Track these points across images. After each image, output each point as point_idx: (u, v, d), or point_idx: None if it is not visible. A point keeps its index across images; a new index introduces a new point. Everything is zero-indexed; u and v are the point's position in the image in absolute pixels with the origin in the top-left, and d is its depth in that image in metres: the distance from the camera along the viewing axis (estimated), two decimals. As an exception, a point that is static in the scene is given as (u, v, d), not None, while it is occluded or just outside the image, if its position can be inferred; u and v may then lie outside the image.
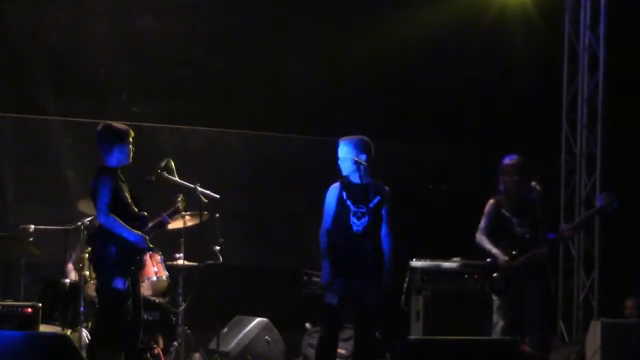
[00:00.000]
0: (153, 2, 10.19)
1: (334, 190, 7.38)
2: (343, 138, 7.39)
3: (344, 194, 7.32)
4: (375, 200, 7.32)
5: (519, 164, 7.95)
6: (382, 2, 10.76)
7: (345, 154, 7.32)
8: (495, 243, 7.94)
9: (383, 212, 7.36)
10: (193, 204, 7.96)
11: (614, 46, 10.47)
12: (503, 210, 7.97)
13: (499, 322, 7.90)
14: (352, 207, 7.30)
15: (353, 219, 7.28)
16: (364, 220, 7.28)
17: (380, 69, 10.72)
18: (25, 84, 9.76)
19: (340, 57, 10.56)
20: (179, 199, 7.50)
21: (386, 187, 7.42)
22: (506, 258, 7.82)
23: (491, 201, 8.07)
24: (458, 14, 10.78)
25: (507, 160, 7.99)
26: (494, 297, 7.94)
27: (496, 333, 7.87)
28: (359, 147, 7.33)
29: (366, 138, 7.42)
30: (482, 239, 8.01)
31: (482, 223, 8.06)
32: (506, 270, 7.82)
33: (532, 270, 7.81)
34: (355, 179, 7.36)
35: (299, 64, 10.48)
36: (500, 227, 7.98)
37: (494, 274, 7.87)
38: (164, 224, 7.29)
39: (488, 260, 7.96)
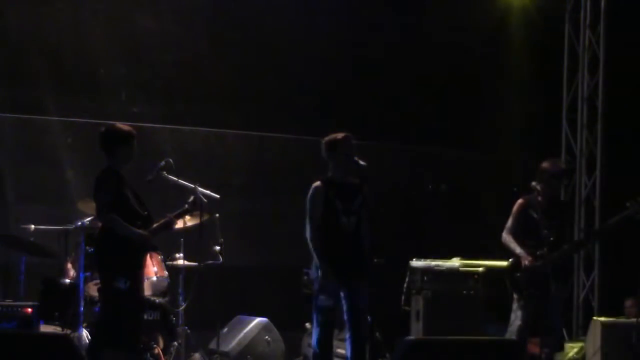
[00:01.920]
0: (153, 2, 10.19)
1: (318, 190, 7.26)
2: (345, 135, 7.31)
3: (330, 193, 7.26)
4: (360, 199, 7.27)
5: (557, 169, 7.99)
6: (381, 6, 10.76)
7: (351, 151, 7.25)
8: (521, 243, 7.96)
9: (364, 210, 7.26)
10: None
11: (614, 46, 10.47)
12: (531, 211, 7.98)
13: (516, 321, 7.91)
14: (340, 206, 7.23)
15: (343, 218, 7.21)
16: (353, 218, 7.23)
17: (380, 70, 10.72)
18: (25, 84, 9.75)
19: (340, 58, 10.56)
20: (190, 200, 7.46)
21: (364, 186, 7.28)
22: (530, 258, 7.84)
23: (520, 201, 8.07)
24: (458, 15, 10.79)
25: (546, 164, 8.01)
26: (515, 296, 7.97)
27: (512, 332, 7.89)
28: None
29: None
30: (508, 238, 8.02)
31: (509, 223, 8.06)
32: (529, 271, 7.85)
33: (555, 272, 7.83)
34: (341, 178, 7.31)
35: (299, 65, 10.47)
36: (527, 227, 8.00)
37: (517, 273, 7.90)
38: (170, 224, 7.27)
39: (511, 259, 7.99)
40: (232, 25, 10.36)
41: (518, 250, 7.93)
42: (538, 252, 7.86)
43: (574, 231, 8.23)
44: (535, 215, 7.95)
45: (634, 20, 10.51)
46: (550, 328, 7.90)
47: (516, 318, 7.93)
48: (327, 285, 7.14)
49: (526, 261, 7.86)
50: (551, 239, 7.84)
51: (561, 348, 8.24)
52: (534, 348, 8.27)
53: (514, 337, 7.73)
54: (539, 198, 7.97)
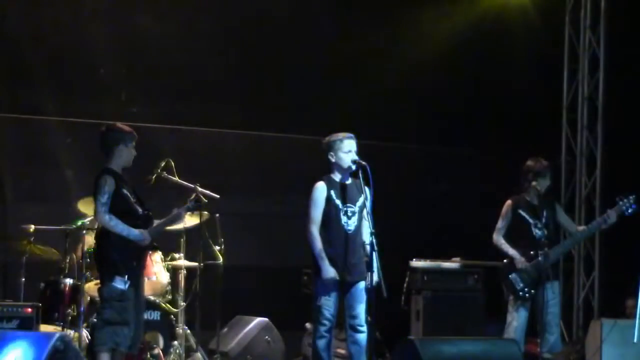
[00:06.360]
0: (153, 2, 10.18)
1: (321, 188, 7.23)
2: (347, 134, 7.29)
3: (332, 192, 7.26)
4: (361, 199, 7.26)
5: (541, 166, 7.98)
6: (386, 4, 10.77)
7: (354, 150, 7.24)
8: (513, 244, 7.96)
9: (366, 210, 7.24)
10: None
11: (614, 46, 10.47)
12: (520, 211, 7.99)
13: (512, 322, 7.93)
14: (341, 206, 7.23)
15: (344, 218, 7.21)
16: (355, 219, 7.23)
17: (381, 70, 10.72)
18: (25, 84, 9.75)
19: (339, 58, 10.56)
20: (191, 198, 7.44)
21: (366, 187, 7.28)
22: (524, 259, 7.87)
23: (509, 202, 8.09)
24: (458, 16, 10.79)
25: (530, 162, 8.01)
26: (510, 298, 7.97)
27: (509, 333, 7.90)
28: None
29: None
30: (499, 240, 8.05)
31: (500, 224, 8.09)
32: (523, 271, 7.86)
33: (549, 271, 7.84)
34: (341, 177, 7.30)
35: (299, 64, 10.46)
36: (518, 228, 8.01)
37: (511, 275, 7.90)
38: (178, 218, 7.25)
39: (505, 261, 8.00)
40: (232, 25, 10.35)
41: (511, 251, 7.96)
42: (531, 252, 7.89)
43: (561, 230, 8.28)
44: (525, 215, 7.96)
45: (634, 20, 10.50)
46: (550, 328, 7.90)
47: (513, 319, 7.94)
48: (327, 284, 7.14)
49: (520, 262, 7.88)
50: (544, 239, 7.85)
51: (560, 347, 8.24)
52: (533, 348, 8.28)
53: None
54: (527, 197, 8.00)
